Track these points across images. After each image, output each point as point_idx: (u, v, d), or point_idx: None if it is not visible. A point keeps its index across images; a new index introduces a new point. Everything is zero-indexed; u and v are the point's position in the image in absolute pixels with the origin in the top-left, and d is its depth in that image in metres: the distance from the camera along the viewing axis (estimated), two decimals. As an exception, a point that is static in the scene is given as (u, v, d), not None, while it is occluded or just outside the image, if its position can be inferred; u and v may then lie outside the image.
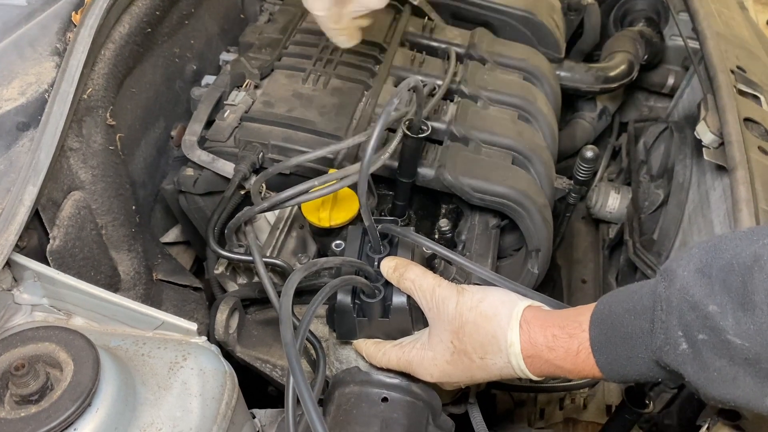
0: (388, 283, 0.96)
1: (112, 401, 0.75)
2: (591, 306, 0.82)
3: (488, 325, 0.86)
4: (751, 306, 0.65)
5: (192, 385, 0.82)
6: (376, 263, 0.99)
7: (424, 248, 1.05)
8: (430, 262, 1.10)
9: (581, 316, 0.81)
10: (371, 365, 1.00)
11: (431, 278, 0.93)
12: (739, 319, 0.66)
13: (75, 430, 0.71)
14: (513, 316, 0.85)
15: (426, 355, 0.92)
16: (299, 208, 1.16)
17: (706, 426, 0.84)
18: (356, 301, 0.96)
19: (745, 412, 0.85)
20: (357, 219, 1.13)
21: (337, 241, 1.04)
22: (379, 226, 1.00)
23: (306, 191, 1.03)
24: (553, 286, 1.87)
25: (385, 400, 0.97)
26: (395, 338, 0.98)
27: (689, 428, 1.25)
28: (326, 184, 1.02)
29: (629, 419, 1.07)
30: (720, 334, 0.66)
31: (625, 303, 0.77)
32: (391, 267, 0.96)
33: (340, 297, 0.95)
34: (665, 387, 1.21)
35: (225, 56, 1.44)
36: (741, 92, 1.35)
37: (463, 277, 1.16)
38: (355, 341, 1.01)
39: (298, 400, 0.76)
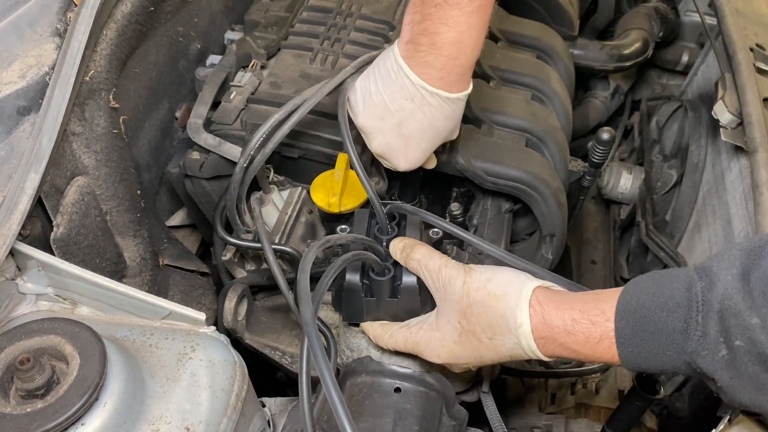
0: (398, 264, 0.95)
1: (120, 395, 0.73)
2: (613, 292, 0.78)
3: (497, 305, 0.84)
4: None
5: (201, 377, 0.80)
6: (384, 244, 0.97)
7: (432, 227, 1.03)
8: (438, 247, 1.07)
9: (604, 303, 0.78)
10: (383, 354, 0.98)
11: (438, 258, 0.91)
12: None
13: (83, 425, 0.70)
14: (522, 295, 0.83)
15: (433, 336, 0.90)
16: (308, 193, 1.13)
17: (728, 418, 0.83)
18: (365, 280, 0.95)
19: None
20: (367, 204, 1.11)
21: (342, 226, 1.01)
22: (388, 206, 0.98)
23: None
24: (562, 267, 1.84)
25: (397, 390, 0.96)
26: (402, 320, 0.97)
27: (701, 412, 1.24)
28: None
29: (639, 405, 1.05)
30: (759, 347, 0.65)
31: (655, 297, 0.74)
32: (399, 247, 0.95)
33: (348, 276, 0.93)
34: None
35: (230, 35, 1.40)
36: (760, 71, 1.32)
37: (476, 263, 1.13)
38: (362, 323, 0.99)
39: (312, 387, 0.75)
